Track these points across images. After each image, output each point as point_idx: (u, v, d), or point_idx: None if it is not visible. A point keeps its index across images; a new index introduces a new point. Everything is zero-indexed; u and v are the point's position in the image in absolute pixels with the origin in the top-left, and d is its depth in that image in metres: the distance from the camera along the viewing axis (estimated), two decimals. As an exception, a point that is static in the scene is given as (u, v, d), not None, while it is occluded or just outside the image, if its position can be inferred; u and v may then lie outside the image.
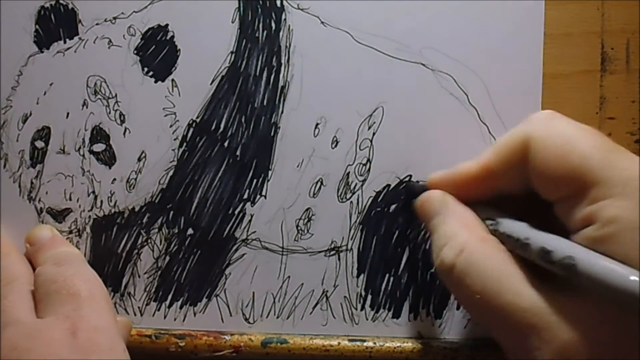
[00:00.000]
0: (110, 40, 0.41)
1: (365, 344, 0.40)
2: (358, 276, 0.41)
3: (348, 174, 0.41)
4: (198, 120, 0.41)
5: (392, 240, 0.41)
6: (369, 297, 0.41)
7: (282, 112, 0.40)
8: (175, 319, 0.41)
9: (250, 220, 0.41)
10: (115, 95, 0.41)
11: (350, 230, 0.41)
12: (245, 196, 0.41)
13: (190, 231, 0.41)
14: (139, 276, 0.41)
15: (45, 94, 0.41)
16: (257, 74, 0.40)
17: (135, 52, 0.40)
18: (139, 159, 0.41)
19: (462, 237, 0.33)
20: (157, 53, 0.40)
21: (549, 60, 0.40)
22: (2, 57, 0.41)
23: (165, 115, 0.41)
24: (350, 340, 0.40)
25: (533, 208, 0.34)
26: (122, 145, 0.41)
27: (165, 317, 0.41)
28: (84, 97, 0.41)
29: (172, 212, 0.41)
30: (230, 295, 0.41)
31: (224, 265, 0.41)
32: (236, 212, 0.41)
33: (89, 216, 0.41)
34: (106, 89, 0.41)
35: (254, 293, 0.41)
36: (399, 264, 0.41)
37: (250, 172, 0.41)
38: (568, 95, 0.40)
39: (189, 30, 0.40)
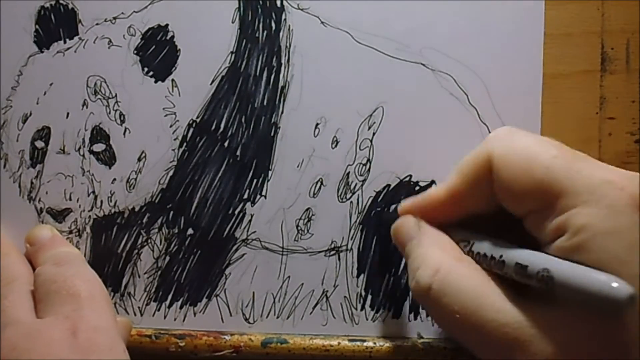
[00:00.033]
0: (110, 40, 0.41)
1: (365, 344, 0.40)
2: (358, 276, 0.41)
3: (348, 174, 0.41)
4: (198, 120, 0.41)
5: (392, 240, 0.40)
6: (369, 297, 0.41)
7: (282, 112, 0.40)
8: (175, 319, 0.41)
9: (250, 220, 0.41)
10: (115, 95, 0.41)
11: (350, 230, 0.41)
12: (245, 196, 0.41)
13: (190, 231, 0.41)
14: (139, 276, 0.41)
15: (45, 94, 0.41)
16: (257, 74, 0.40)
17: (135, 52, 0.40)
18: (139, 159, 0.41)
19: (436, 257, 0.33)
20: (157, 53, 0.40)
21: (549, 60, 0.40)
22: (2, 57, 0.41)
23: (165, 115, 0.41)
24: (350, 340, 0.40)
25: (505, 225, 0.33)
26: (122, 145, 0.41)
27: (165, 317, 0.41)
28: (84, 97, 0.41)
29: (172, 212, 0.41)
30: (230, 295, 0.41)
31: (224, 265, 0.41)
32: (236, 212, 0.41)
33: (89, 216, 0.41)
34: (106, 89, 0.41)
35: (254, 293, 0.41)
36: (399, 264, 0.41)
37: (250, 172, 0.41)
38: (568, 95, 0.40)
39: (189, 30, 0.40)
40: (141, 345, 0.40)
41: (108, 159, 0.41)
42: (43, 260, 0.38)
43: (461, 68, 0.40)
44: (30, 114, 0.41)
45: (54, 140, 0.41)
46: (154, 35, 0.40)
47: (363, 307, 0.41)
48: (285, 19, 0.40)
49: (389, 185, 0.41)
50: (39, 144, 0.41)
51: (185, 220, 0.41)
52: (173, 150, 0.41)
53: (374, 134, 0.40)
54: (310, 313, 0.41)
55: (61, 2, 0.41)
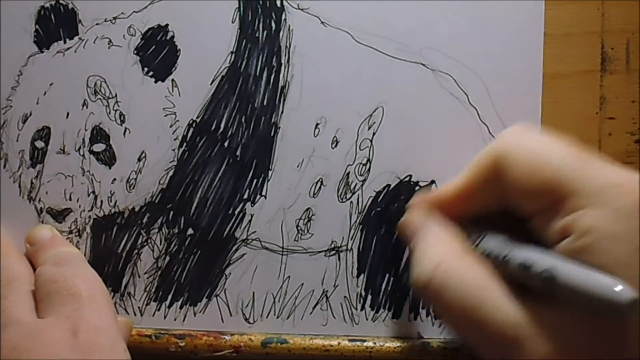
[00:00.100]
0: (110, 40, 0.41)
1: (365, 344, 0.40)
2: (358, 276, 0.41)
3: (348, 174, 0.41)
4: (198, 120, 0.41)
5: (392, 240, 0.41)
6: (369, 297, 0.41)
7: (282, 112, 0.40)
8: (175, 319, 0.41)
9: (250, 220, 0.41)
10: (115, 95, 0.41)
11: (350, 230, 0.41)
12: (245, 196, 0.41)
13: (190, 231, 0.41)
14: (139, 276, 0.41)
15: (45, 94, 0.41)
16: (257, 74, 0.40)
17: (135, 52, 0.40)
18: (139, 159, 0.41)
19: (439, 252, 0.33)
20: (157, 53, 0.40)
21: (549, 60, 0.40)
22: (2, 57, 0.41)
23: (165, 115, 0.41)
24: (350, 340, 0.40)
25: (512, 224, 0.33)
26: (122, 145, 0.41)
27: (165, 317, 0.41)
28: (84, 97, 0.41)
29: (172, 212, 0.41)
30: (230, 295, 0.41)
31: (224, 265, 0.41)
32: (236, 212, 0.41)
33: (89, 216, 0.41)
34: (106, 89, 0.41)
35: (254, 293, 0.41)
36: (399, 264, 0.41)
37: (250, 172, 0.41)
38: (568, 95, 0.40)
39: (189, 30, 0.40)
40: (141, 345, 0.40)
41: (108, 159, 0.41)
42: (43, 260, 0.38)
43: (461, 68, 0.40)
44: (30, 114, 0.41)
45: (54, 140, 0.41)
46: (154, 35, 0.40)
47: (363, 307, 0.41)
48: (285, 19, 0.40)
49: (389, 185, 0.41)
50: (39, 144, 0.41)
51: (185, 220, 0.41)
52: (173, 150, 0.41)
53: (374, 134, 0.40)
54: (310, 313, 0.41)
55: (61, 2, 0.41)
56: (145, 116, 0.41)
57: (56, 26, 0.41)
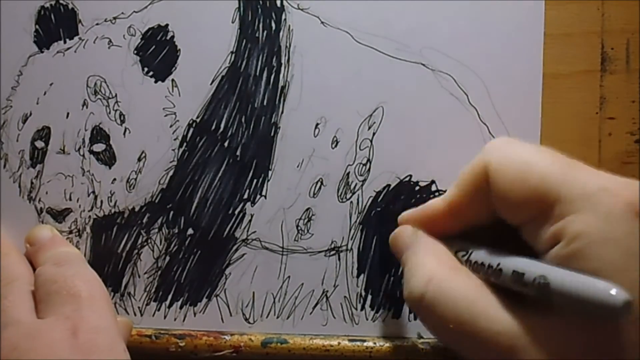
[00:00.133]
0: (110, 40, 0.41)
1: (365, 344, 0.40)
2: (358, 276, 0.41)
3: (348, 174, 0.41)
4: (198, 120, 0.41)
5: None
6: (369, 297, 0.41)
7: (282, 112, 0.40)
8: (175, 319, 0.41)
9: (250, 220, 0.41)
10: (115, 95, 0.41)
11: (350, 230, 0.41)
12: (245, 196, 0.41)
13: (190, 231, 0.41)
14: (139, 276, 0.41)
15: (45, 94, 0.41)
16: (257, 74, 0.40)
17: (135, 52, 0.40)
18: (139, 159, 0.41)
19: (430, 267, 0.33)
20: (157, 53, 0.40)
21: (549, 60, 0.40)
22: (2, 57, 0.41)
23: (165, 115, 0.41)
24: (350, 340, 0.40)
25: (502, 236, 0.33)
26: (122, 145, 0.41)
27: (165, 317, 0.41)
28: (84, 97, 0.41)
29: (172, 212, 0.41)
30: (230, 295, 0.41)
31: (224, 265, 0.41)
32: (236, 212, 0.41)
33: (89, 216, 0.41)
34: (106, 89, 0.41)
35: (254, 293, 0.41)
36: (399, 264, 0.40)
37: (250, 172, 0.41)
38: (568, 95, 0.40)
39: (189, 30, 0.40)
40: (141, 345, 0.40)
41: (108, 159, 0.41)
42: (43, 260, 0.38)
43: (461, 68, 0.40)
44: (30, 114, 0.41)
45: (54, 140, 0.41)
46: (154, 35, 0.40)
47: (363, 307, 0.41)
48: (285, 19, 0.40)
49: (389, 185, 0.41)
50: (39, 144, 0.41)
51: (185, 220, 0.41)
52: (173, 150, 0.41)
53: (374, 134, 0.40)
54: (310, 313, 0.41)
55: (61, 2, 0.41)
56: (145, 116, 0.41)
57: (56, 26, 0.41)
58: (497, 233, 0.34)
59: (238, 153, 0.41)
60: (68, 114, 0.41)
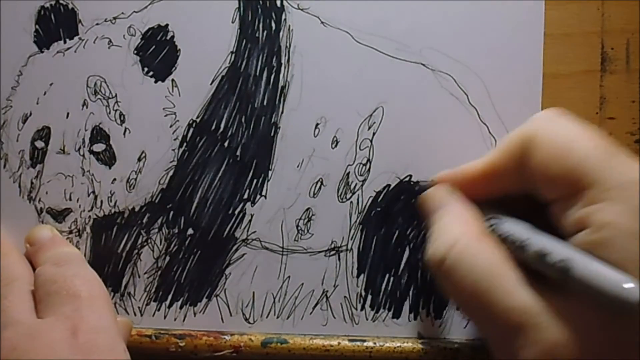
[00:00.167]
0: (110, 40, 0.41)
1: (365, 344, 0.40)
2: (358, 276, 0.41)
3: (348, 174, 0.41)
4: (198, 120, 0.41)
5: (392, 240, 0.41)
6: (369, 297, 0.41)
7: (282, 112, 0.40)
8: (175, 319, 0.41)
9: (250, 220, 0.41)
10: (115, 95, 0.41)
11: (350, 230, 0.41)
12: (245, 196, 0.41)
13: (190, 231, 0.41)
14: (139, 276, 0.41)
15: (45, 94, 0.41)
16: (257, 74, 0.40)
17: (135, 52, 0.40)
18: (139, 159, 0.41)
19: (456, 231, 0.33)
20: (157, 53, 0.40)
21: (549, 60, 0.40)
22: (2, 57, 0.41)
23: (165, 115, 0.41)
24: (350, 340, 0.40)
25: (533, 211, 0.33)
26: (122, 145, 0.41)
27: (165, 317, 0.41)
28: (84, 97, 0.41)
29: (172, 212, 0.41)
30: (230, 295, 0.41)
31: (224, 265, 0.41)
32: (236, 212, 0.41)
33: (89, 216, 0.41)
34: (106, 89, 0.41)
35: (254, 293, 0.41)
36: (399, 264, 0.41)
37: (250, 172, 0.41)
38: (568, 95, 0.40)
39: (189, 30, 0.40)
40: (141, 345, 0.40)
41: (108, 159, 0.41)
42: (43, 260, 0.38)
43: (461, 68, 0.40)
44: (30, 114, 0.41)
45: (54, 140, 0.41)
46: (154, 35, 0.40)
47: (363, 307, 0.41)
48: (285, 19, 0.40)
49: (389, 185, 0.41)
50: (39, 144, 0.41)
51: (185, 220, 0.41)
52: (173, 150, 0.41)
53: (374, 134, 0.40)
54: (310, 313, 0.41)
55: (61, 2, 0.41)
56: (145, 116, 0.41)
57: (56, 26, 0.41)
58: (527, 206, 0.34)
59: (238, 153, 0.41)
60: (68, 114, 0.41)
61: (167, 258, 0.41)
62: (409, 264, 0.41)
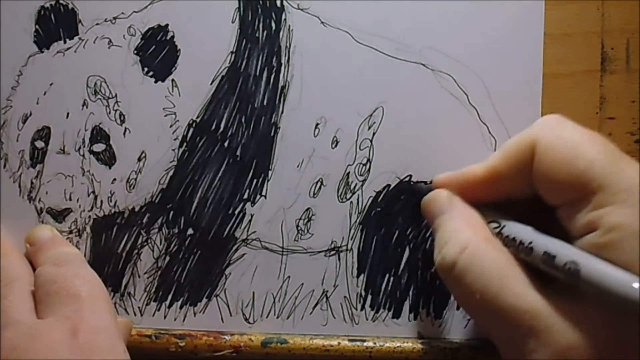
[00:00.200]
0: (110, 40, 0.41)
1: (365, 344, 0.40)
2: (358, 276, 0.41)
3: (348, 174, 0.41)
4: (198, 120, 0.41)
5: (392, 240, 0.41)
6: (369, 297, 0.41)
7: (282, 112, 0.40)
8: (175, 319, 0.41)
9: (250, 220, 0.41)
10: (115, 95, 0.41)
11: (350, 230, 0.41)
12: (245, 196, 0.41)
13: (190, 231, 0.41)
14: (139, 276, 0.41)
15: (45, 94, 0.41)
16: (257, 74, 0.40)
17: (135, 52, 0.40)
18: (139, 159, 0.41)
19: (465, 235, 0.33)
20: (157, 53, 0.40)
21: (549, 60, 0.40)
22: (2, 57, 0.41)
23: (165, 115, 0.41)
24: (350, 340, 0.40)
25: (537, 213, 0.33)
26: (122, 145, 0.41)
27: (165, 317, 0.41)
28: (84, 97, 0.41)
29: (172, 212, 0.41)
30: (230, 295, 0.41)
31: (224, 265, 0.41)
32: (236, 212, 0.41)
33: (89, 216, 0.41)
34: (106, 89, 0.41)
35: (254, 293, 0.41)
36: (399, 264, 0.41)
37: (250, 172, 0.41)
38: (568, 95, 0.40)
39: (189, 30, 0.40)
40: (141, 345, 0.40)
41: (108, 159, 0.41)
42: (43, 260, 0.38)
43: (461, 68, 0.40)
44: (30, 114, 0.41)
45: (54, 140, 0.41)
46: (154, 35, 0.40)
47: (363, 307, 0.41)
48: (285, 19, 0.40)
49: (389, 185, 0.41)
50: (39, 144, 0.41)
51: (185, 220, 0.41)
52: (173, 150, 0.41)
53: (374, 134, 0.40)
54: (310, 313, 0.41)
55: (61, 2, 0.41)
56: (145, 116, 0.41)
57: (56, 26, 0.41)
58: (531, 209, 0.34)
59: (238, 153, 0.41)
60: (68, 114, 0.41)
61: (167, 258, 0.41)
62: (409, 264, 0.41)
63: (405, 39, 0.40)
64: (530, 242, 0.31)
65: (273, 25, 0.40)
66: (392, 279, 0.41)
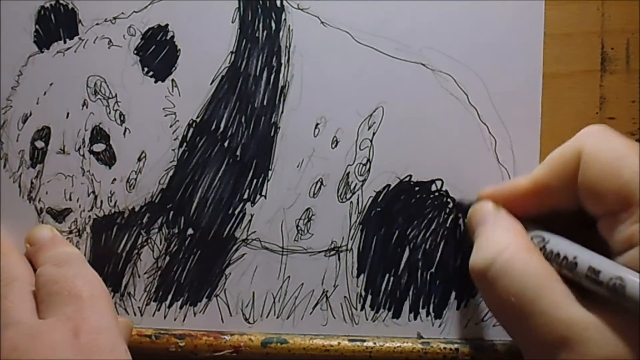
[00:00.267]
0: (110, 40, 0.40)
1: (365, 344, 0.40)
2: (358, 276, 0.41)
3: (348, 174, 0.41)
4: (198, 120, 0.41)
5: (392, 240, 0.41)
6: (369, 297, 0.41)
7: (282, 112, 0.40)
8: (175, 319, 0.41)
9: (250, 220, 0.41)
10: (115, 95, 0.41)
11: (350, 230, 0.41)
12: (245, 196, 0.41)
13: (190, 231, 0.41)
14: (139, 276, 0.41)
15: (45, 94, 0.41)
16: (257, 74, 0.40)
17: (135, 52, 0.40)
18: (139, 159, 0.41)
19: (504, 241, 0.33)
20: (157, 53, 0.40)
21: (549, 60, 0.40)
22: (2, 57, 0.41)
23: (165, 115, 0.41)
24: (350, 340, 0.40)
25: (577, 230, 0.33)
26: (122, 145, 0.41)
27: (165, 317, 0.41)
28: (84, 97, 0.41)
29: (172, 212, 0.41)
30: (230, 295, 0.41)
31: (224, 265, 0.41)
32: (236, 212, 0.41)
33: (89, 216, 0.41)
34: (106, 89, 0.41)
35: (254, 293, 0.41)
36: (399, 264, 0.41)
37: (250, 172, 0.41)
38: (568, 95, 0.40)
39: (189, 30, 0.40)
40: (141, 345, 0.40)
41: (108, 159, 0.41)
42: (43, 260, 0.38)
43: (461, 68, 0.40)
44: (30, 114, 0.41)
45: (54, 140, 0.41)
46: (154, 35, 0.40)
47: (363, 307, 0.41)
48: (285, 19, 0.40)
49: (389, 185, 0.41)
50: (39, 144, 0.41)
51: (185, 220, 0.41)
52: (173, 150, 0.41)
53: (374, 134, 0.40)
54: (310, 313, 0.41)
55: (61, 2, 0.41)
56: (145, 116, 0.41)
57: (56, 26, 0.41)
58: (571, 225, 0.34)
59: (238, 153, 0.41)
60: (68, 114, 0.41)
61: (167, 258, 0.41)
62: (409, 264, 0.41)
63: (405, 39, 0.40)
64: (575, 257, 0.31)
65: (273, 25, 0.40)
66: (392, 279, 0.41)
